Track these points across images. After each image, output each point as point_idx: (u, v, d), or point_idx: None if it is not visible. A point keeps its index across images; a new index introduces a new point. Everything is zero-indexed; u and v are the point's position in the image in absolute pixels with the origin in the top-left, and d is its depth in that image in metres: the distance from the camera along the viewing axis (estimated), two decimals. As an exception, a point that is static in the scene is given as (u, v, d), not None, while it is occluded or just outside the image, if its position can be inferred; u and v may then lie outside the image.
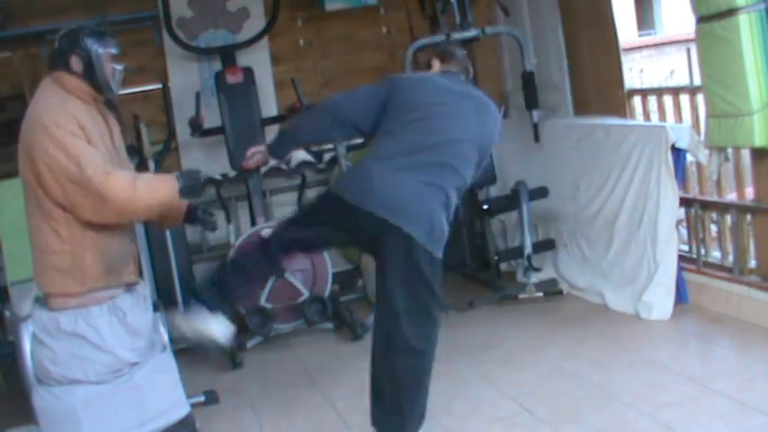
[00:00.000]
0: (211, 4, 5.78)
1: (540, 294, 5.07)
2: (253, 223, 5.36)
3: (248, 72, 5.39)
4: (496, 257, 5.39)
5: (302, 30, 6.08)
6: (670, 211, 4.52)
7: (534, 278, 5.14)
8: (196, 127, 5.22)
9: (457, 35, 5.10)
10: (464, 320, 4.92)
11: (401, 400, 3.10)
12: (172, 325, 3.14)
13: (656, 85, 10.06)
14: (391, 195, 3.01)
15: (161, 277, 4.84)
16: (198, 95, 5.29)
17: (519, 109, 5.78)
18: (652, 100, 5.18)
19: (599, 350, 4.21)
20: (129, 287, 2.98)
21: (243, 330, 4.96)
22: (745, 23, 3.78)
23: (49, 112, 2.73)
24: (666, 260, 4.52)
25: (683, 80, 5.91)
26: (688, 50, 4.72)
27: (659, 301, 4.51)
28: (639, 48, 13.66)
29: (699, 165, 4.67)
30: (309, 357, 4.73)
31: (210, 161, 5.70)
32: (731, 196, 4.59)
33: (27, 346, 2.90)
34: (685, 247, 4.80)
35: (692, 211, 4.69)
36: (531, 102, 5.28)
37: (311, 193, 5.94)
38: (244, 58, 5.58)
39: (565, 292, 5.14)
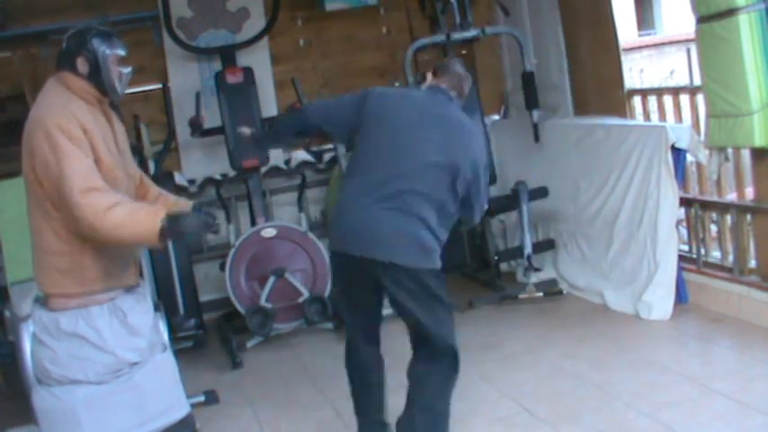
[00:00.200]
0: (211, 4, 5.78)
1: (540, 294, 5.08)
2: (253, 223, 5.36)
3: (248, 72, 5.39)
4: (496, 257, 5.40)
5: (302, 30, 6.08)
6: (670, 211, 4.52)
7: (534, 278, 5.14)
8: (196, 127, 5.22)
9: (457, 35, 5.10)
10: (464, 320, 4.90)
11: (433, 399, 3.08)
12: None
13: (656, 85, 10.06)
14: (369, 233, 2.98)
15: (161, 277, 4.84)
16: (198, 95, 5.30)
17: (519, 109, 5.79)
18: (652, 100, 5.18)
19: (599, 350, 4.21)
20: (130, 288, 2.98)
21: (243, 330, 4.98)
22: (745, 23, 3.78)
23: (51, 113, 2.72)
24: (666, 260, 4.53)
25: (683, 80, 5.93)
26: (688, 50, 4.73)
27: (659, 301, 4.51)
28: (639, 48, 13.66)
29: (699, 165, 4.67)
30: (309, 357, 4.74)
31: (210, 161, 5.72)
32: (731, 196, 4.59)
33: (27, 346, 2.89)
34: (685, 247, 4.80)
35: (692, 211, 4.69)
36: (531, 102, 5.27)
37: (311, 193, 5.95)
38: (244, 58, 5.58)
39: (565, 292, 5.15)
